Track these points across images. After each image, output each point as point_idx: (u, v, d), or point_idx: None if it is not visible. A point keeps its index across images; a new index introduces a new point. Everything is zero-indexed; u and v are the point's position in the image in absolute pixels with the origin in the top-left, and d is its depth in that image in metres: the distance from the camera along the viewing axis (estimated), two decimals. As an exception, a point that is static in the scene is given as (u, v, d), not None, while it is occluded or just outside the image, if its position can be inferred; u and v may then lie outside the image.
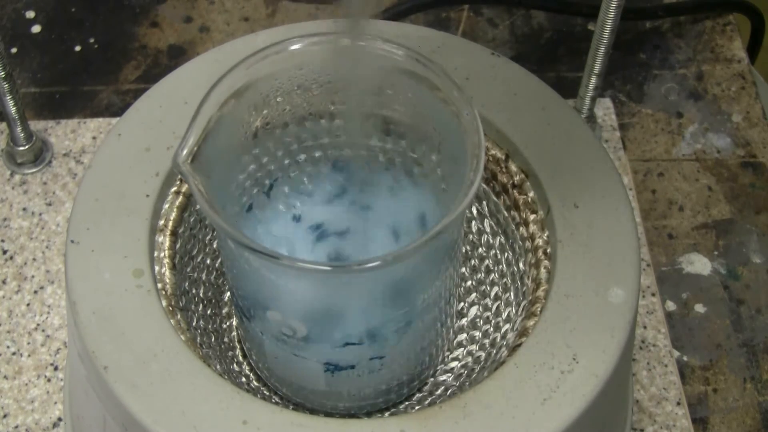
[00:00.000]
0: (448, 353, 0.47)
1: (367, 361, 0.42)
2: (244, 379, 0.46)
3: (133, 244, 0.43)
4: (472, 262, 0.49)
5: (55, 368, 0.53)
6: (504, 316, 0.47)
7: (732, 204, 0.61)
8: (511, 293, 0.47)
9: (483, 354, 0.47)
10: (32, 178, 0.60)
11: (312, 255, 0.45)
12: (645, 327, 0.54)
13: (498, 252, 0.48)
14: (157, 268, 0.43)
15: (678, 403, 0.52)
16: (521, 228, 0.46)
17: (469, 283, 0.49)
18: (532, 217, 0.45)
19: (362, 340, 0.41)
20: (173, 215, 0.45)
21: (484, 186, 0.47)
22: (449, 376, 0.47)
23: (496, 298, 0.48)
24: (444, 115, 0.40)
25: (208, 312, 0.47)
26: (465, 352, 0.48)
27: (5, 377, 0.53)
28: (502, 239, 0.48)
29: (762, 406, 0.54)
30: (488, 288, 0.48)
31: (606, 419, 0.43)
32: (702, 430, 0.53)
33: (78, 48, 0.68)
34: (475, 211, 0.49)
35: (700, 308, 0.57)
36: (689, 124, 0.65)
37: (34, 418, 0.51)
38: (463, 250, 0.49)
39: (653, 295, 0.56)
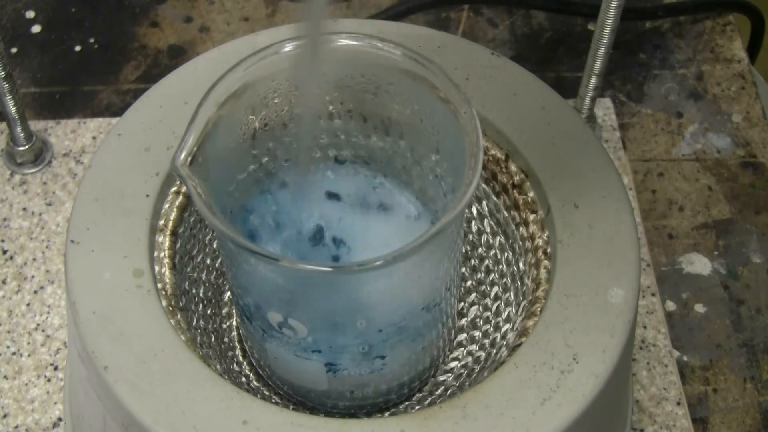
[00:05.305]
0: (448, 353, 0.47)
1: (369, 361, 0.42)
2: (244, 379, 0.46)
3: (133, 244, 0.43)
4: (472, 262, 0.49)
5: (55, 368, 0.53)
6: (504, 316, 0.47)
7: (732, 204, 0.61)
8: (511, 293, 0.47)
9: (483, 354, 0.47)
10: (32, 178, 0.60)
11: (311, 255, 0.45)
12: (645, 327, 0.54)
13: (498, 252, 0.48)
14: (157, 268, 0.43)
15: (678, 403, 0.52)
16: (521, 228, 0.46)
17: (469, 283, 0.49)
18: (532, 217, 0.45)
19: (363, 340, 0.41)
20: (173, 215, 0.45)
21: (484, 186, 0.47)
22: (449, 376, 0.47)
23: (496, 298, 0.48)
24: (442, 114, 0.40)
25: (208, 312, 0.47)
26: (465, 352, 0.48)
27: (5, 377, 0.53)
28: (502, 239, 0.48)
29: (762, 406, 0.54)
30: (488, 288, 0.48)
31: (606, 419, 0.43)
32: (702, 430, 0.53)
33: (78, 48, 0.68)
34: (475, 211, 0.49)
35: (700, 308, 0.57)
36: (689, 124, 0.65)
37: (34, 418, 0.51)
38: (463, 250, 0.49)
39: (653, 295, 0.56)
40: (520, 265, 0.46)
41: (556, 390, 0.39)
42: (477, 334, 0.48)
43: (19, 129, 0.59)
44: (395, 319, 0.41)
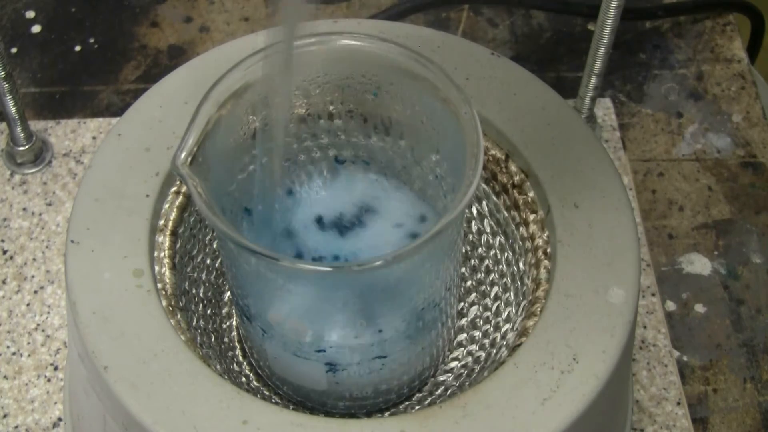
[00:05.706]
0: (448, 353, 0.47)
1: (368, 361, 0.42)
2: (244, 379, 0.46)
3: (133, 244, 0.43)
4: (472, 262, 0.49)
5: (55, 368, 0.53)
6: (504, 316, 0.47)
7: (732, 204, 0.61)
8: (511, 293, 0.47)
9: (483, 354, 0.47)
10: (32, 178, 0.60)
11: (311, 254, 0.45)
12: (645, 327, 0.54)
13: (498, 252, 0.48)
14: (157, 268, 0.43)
15: (678, 403, 0.52)
16: (521, 228, 0.46)
17: (469, 283, 0.49)
18: (532, 217, 0.45)
19: (363, 340, 0.41)
20: (173, 215, 0.45)
21: (484, 186, 0.47)
22: (449, 376, 0.47)
23: (496, 298, 0.48)
24: (443, 114, 0.40)
25: (208, 312, 0.47)
26: (465, 352, 0.48)
27: (5, 377, 0.53)
28: (502, 239, 0.48)
29: (762, 406, 0.54)
30: (488, 288, 0.48)
31: (606, 419, 0.43)
32: (702, 430, 0.53)
33: (78, 48, 0.68)
34: (475, 211, 0.49)
35: (700, 308, 0.57)
36: (689, 124, 0.65)
37: (34, 418, 0.51)
38: (463, 250, 0.49)
39: (653, 295, 0.56)
40: (520, 265, 0.46)
41: (556, 390, 0.39)
42: (477, 334, 0.48)
43: (19, 129, 0.59)
44: (395, 319, 0.41)
